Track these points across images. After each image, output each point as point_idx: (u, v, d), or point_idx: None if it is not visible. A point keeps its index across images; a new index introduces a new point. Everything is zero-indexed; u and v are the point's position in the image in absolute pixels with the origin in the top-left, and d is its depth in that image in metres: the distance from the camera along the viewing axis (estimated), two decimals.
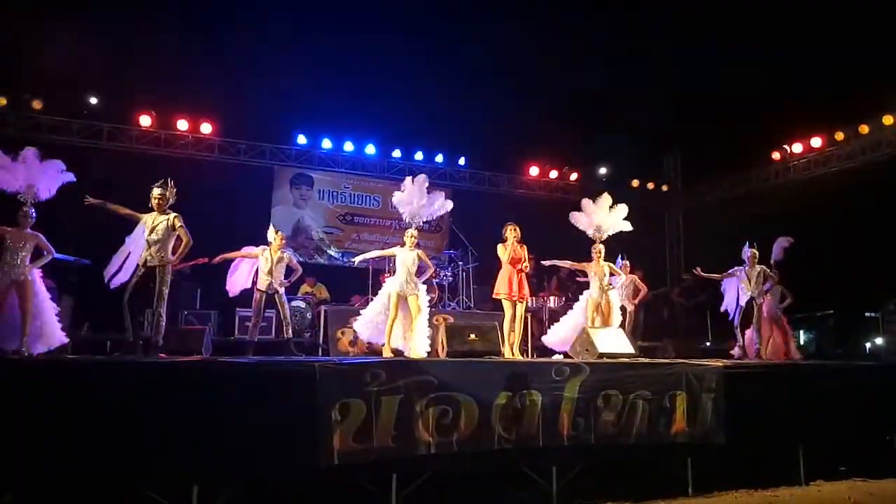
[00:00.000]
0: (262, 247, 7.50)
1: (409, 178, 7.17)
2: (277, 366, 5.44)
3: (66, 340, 6.07)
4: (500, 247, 7.50)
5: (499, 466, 5.68)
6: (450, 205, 7.35)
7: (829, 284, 11.77)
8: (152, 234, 6.05)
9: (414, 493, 5.28)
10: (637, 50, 12.45)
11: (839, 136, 12.34)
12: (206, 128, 12.24)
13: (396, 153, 13.70)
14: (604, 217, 8.00)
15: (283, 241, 7.59)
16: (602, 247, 7.97)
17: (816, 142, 12.76)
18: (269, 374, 5.11)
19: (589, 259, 8.03)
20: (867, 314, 12.27)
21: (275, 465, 4.88)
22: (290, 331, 7.48)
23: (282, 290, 7.41)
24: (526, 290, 7.48)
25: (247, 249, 7.52)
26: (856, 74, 10.79)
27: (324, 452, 4.91)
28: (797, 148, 13.07)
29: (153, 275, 6.03)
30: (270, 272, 7.29)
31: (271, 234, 7.49)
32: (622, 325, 8.14)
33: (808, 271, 9.59)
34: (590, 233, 8.02)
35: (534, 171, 14.64)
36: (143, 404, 4.59)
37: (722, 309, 9.01)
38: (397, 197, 7.18)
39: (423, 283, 7.09)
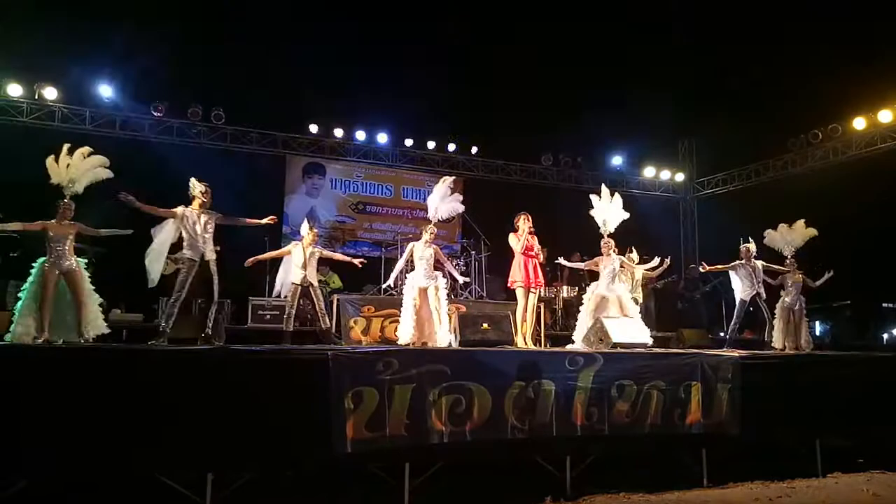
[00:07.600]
0: (293, 242, 7.59)
1: (442, 179, 7.29)
2: (290, 354, 5.43)
3: (108, 330, 6.07)
4: (512, 236, 7.46)
5: (511, 456, 5.67)
6: (461, 208, 7.41)
7: (845, 275, 11.62)
8: (206, 230, 6.07)
9: (426, 481, 5.27)
10: (652, 38, 12.29)
11: (858, 123, 12.11)
12: (217, 117, 12.22)
13: (409, 142, 13.63)
14: (605, 210, 7.82)
15: (316, 236, 7.62)
16: (612, 241, 7.80)
17: (835, 130, 12.54)
18: (282, 362, 5.10)
19: (600, 253, 7.87)
20: (884, 305, 12.14)
21: (288, 452, 4.88)
22: (326, 320, 7.46)
23: (316, 283, 7.41)
24: (540, 278, 7.49)
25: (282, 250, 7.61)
26: (877, 60, 10.59)
27: (337, 440, 4.92)
28: (814, 136, 12.86)
29: (206, 269, 6.06)
30: (304, 265, 7.26)
31: (304, 228, 7.51)
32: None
33: (825, 262, 9.45)
34: (601, 228, 7.90)
35: (546, 160, 14.53)
36: (159, 391, 4.60)
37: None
38: (431, 199, 7.27)
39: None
